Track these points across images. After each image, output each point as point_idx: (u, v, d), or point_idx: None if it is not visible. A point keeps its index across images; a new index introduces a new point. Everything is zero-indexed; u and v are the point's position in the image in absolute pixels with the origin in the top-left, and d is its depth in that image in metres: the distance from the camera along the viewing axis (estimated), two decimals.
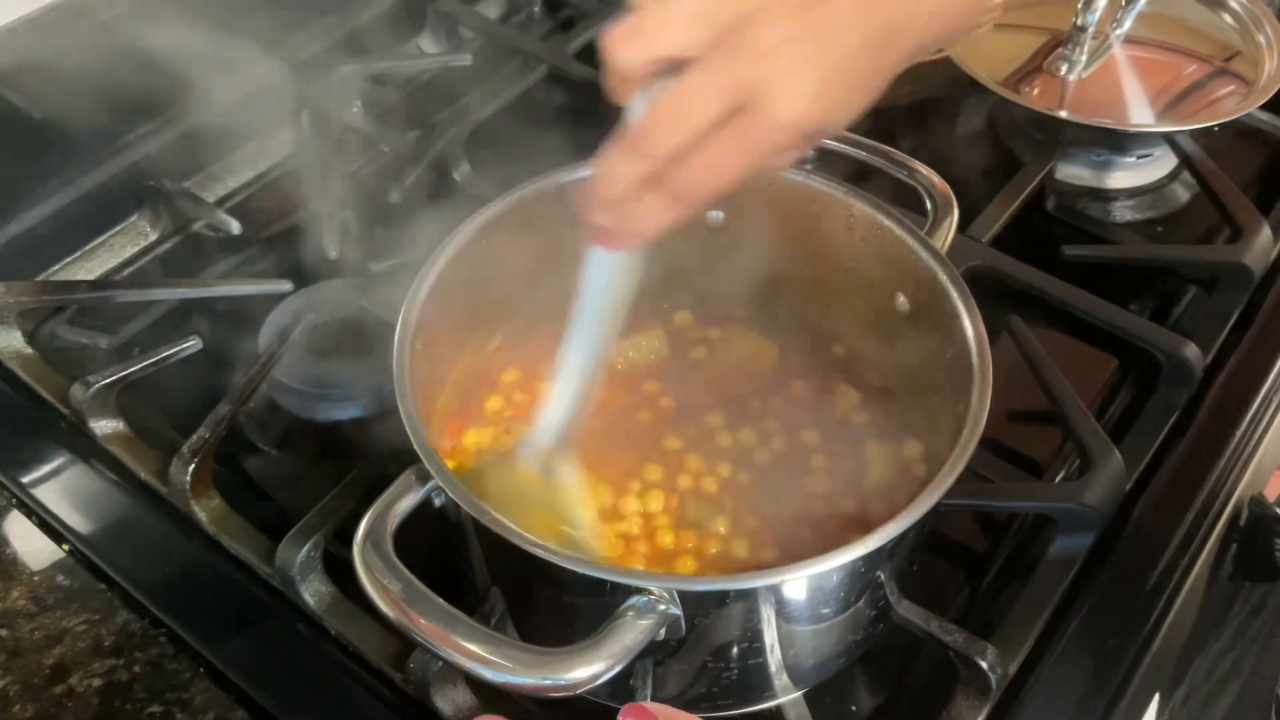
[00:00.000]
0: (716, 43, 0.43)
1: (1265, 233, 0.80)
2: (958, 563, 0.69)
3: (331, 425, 0.74)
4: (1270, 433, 0.70)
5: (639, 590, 0.47)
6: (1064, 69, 0.93)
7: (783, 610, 0.51)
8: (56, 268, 0.83)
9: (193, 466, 0.63)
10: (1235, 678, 0.75)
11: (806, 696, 0.58)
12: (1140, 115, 0.91)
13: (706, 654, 0.52)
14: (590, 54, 0.98)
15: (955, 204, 0.66)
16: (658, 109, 0.44)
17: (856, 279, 0.65)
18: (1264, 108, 0.89)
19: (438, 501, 0.51)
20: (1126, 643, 0.59)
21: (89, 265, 0.84)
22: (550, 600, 0.54)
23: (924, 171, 0.68)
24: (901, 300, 0.63)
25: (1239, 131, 0.93)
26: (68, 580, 0.62)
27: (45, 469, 0.67)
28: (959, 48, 0.92)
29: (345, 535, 0.51)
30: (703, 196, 0.45)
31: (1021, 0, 1.00)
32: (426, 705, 0.56)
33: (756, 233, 0.66)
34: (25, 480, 0.66)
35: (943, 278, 0.59)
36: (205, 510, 0.64)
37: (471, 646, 0.45)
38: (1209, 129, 0.87)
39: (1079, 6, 0.91)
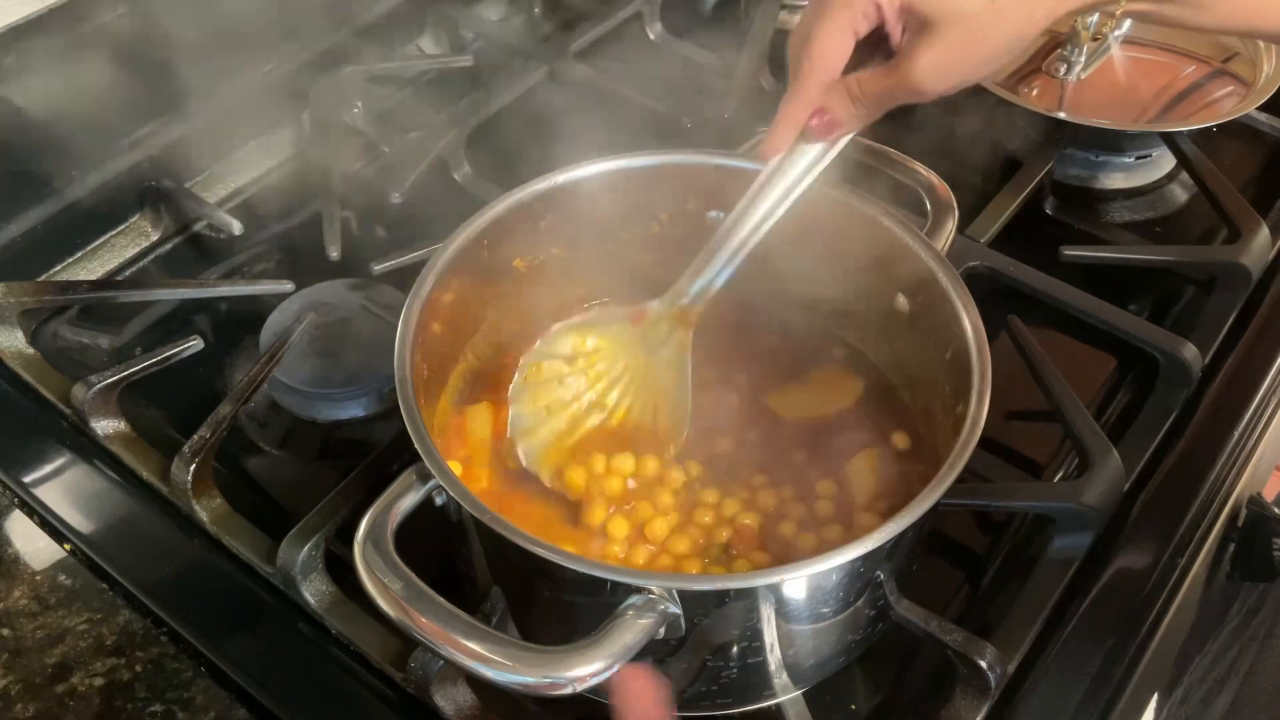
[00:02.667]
0: None
1: (1263, 233, 0.80)
2: (957, 562, 0.69)
3: (332, 425, 0.74)
4: (1268, 432, 0.70)
5: (639, 589, 0.47)
6: (1063, 70, 0.93)
7: (782, 609, 0.51)
8: (58, 268, 0.83)
9: (194, 466, 0.63)
10: (1233, 677, 0.76)
11: (806, 695, 0.58)
12: (1139, 116, 0.91)
13: (706, 653, 0.52)
14: (591, 55, 0.99)
15: (955, 205, 0.66)
16: None
17: (856, 279, 0.65)
18: (1262, 108, 0.89)
19: (438, 501, 0.51)
20: (1125, 642, 0.59)
21: (91, 265, 0.84)
22: (550, 599, 0.54)
23: (923, 172, 0.68)
24: (901, 300, 0.63)
25: (1237, 132, 0.93)
26: (69, 579, 0.62)
27: (47, 469, 0.67)
28: None
29: (346, 535, 0.51)
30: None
31: None
32: (427, 704, 0.56)
33: None
34: (27, 480, 0.66)
35: (943, 278, 0.59)
36: (206, 510, 0.64)
37: (472, 645, 0.45)
38: (1207, 130, 0.87)
39: None
